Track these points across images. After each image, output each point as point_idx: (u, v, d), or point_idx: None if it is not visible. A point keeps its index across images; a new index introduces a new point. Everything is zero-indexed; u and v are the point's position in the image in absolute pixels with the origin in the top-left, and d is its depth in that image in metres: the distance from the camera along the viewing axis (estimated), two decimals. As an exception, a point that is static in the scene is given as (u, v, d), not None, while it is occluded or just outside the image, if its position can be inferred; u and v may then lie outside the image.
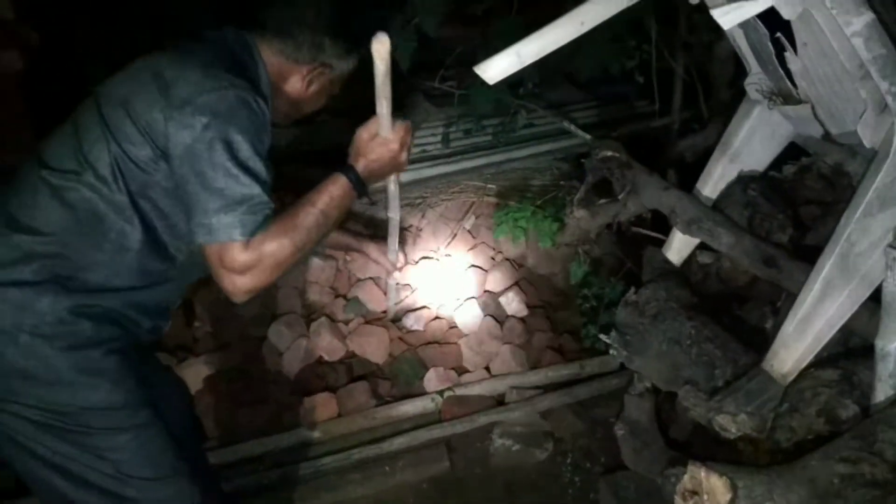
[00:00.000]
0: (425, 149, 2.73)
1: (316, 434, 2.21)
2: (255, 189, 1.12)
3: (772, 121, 1.53)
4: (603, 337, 1.80)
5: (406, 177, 2.60)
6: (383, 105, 1.22)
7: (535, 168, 2.74)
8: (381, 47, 1.14)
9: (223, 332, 2.47)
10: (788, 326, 1.28)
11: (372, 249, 1.86)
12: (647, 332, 1.67)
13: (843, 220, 1.22)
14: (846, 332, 1.30)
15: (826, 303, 1.24)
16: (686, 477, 1.19)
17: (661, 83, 2.50)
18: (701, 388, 1.46)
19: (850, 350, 1.34)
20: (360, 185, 1.26)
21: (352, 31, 1.34)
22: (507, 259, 2.75)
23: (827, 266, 1.24)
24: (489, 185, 2.69)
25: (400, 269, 1.89)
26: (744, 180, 1.57)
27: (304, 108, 1.42)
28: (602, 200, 1.74)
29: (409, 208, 2.64)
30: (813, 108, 1.33)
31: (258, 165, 1.14)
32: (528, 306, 2.63)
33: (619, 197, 1.68)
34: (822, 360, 1.30)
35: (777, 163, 1.60)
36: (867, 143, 1.21)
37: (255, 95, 1.17)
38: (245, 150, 1.12)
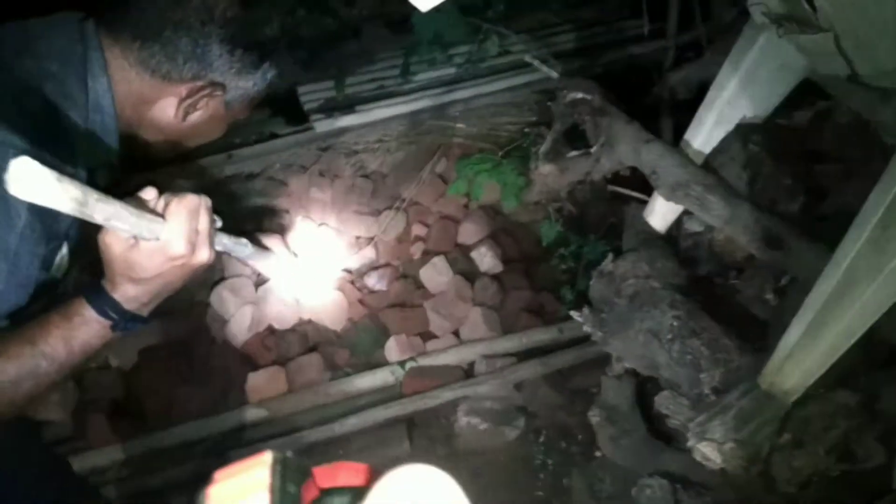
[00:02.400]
0: (383, 84, 2.37)
1: (262, 413, 1.99)
2: None
3: (781, 52, 1.17)
4: (574, 314, 1.53)
5: (361, 119, 2.27)
6: (110, 214, 0.72)
7: (512, 103, 2.38)
8: (17, 185, 0.62)
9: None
10: (795, 330, 1.00)
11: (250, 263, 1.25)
12: (624, 313, 1.39)
13: (875, 195, 0.91)
14: (870, 339, 1.00)
15: (846, 301, 0.95)
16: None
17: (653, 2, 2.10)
18: (683, 392, 1.19)
19: (872, 363, 1.05)
20: (128, 321, 0.83)
21: (257, 38, 0.96)
22: (482, 207, 2.45)
23: (852, 253, 0.94)
24: (458, 125, 2.35)
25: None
26: (744, 130, 1.24)
27: (187, 141, 1.01)
28: (573, 153, 1.42)
29: (366, 154, 2.33)
30: (836, 38, 0.98)
31: None
32: (504, 261, 2.34)
33: (592, 150, 1.36)
34: (837, 378, 1.01)
35: (787, 106, 1.26)
36: (911, 89, 0.88)
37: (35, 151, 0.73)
38: None
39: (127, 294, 0.81)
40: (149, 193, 0.80)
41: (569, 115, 1.39)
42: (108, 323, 0.82)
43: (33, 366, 0.79)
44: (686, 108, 1.60)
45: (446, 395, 2.01)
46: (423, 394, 2.02)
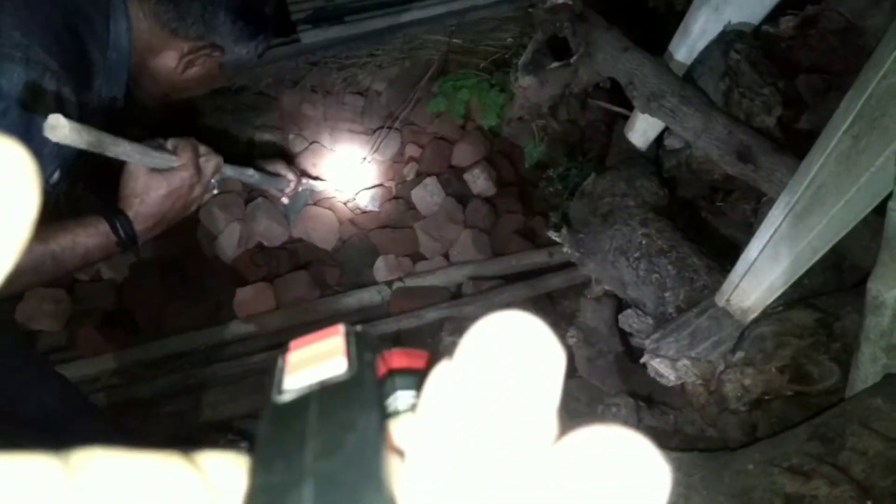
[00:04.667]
0: (376, -6, 2.27)
1: (249, 328, 2.02)
2: None
3: (775, -49, 1.08)
4: (552, 234, 1.50)
5: (350, 30, 2.18)
6: (130, 151, 0.90)
7: (511, 17, 2.28)
8: (53, 131, 0.80)
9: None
10: (755, 245, 0.95)
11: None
12: (597, 233, 1.35)
13: (846, 102, 0.85)
14: (840, 263, 0.96)
15: (811, 217, 0.90)
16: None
17: None
18: (648, 311, 1.16)
19: (842, 287, 1.01)
20: (130, 240, 0.95)
21: (258, 12, 1.07)
22: (479, 128, 2.38)
23: (817, 165, 0.88)
24: (454, 40, 2.26)
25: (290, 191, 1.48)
26: (727, 38, 1.15)
27: (178, 92, 1.12)
28: (554, 64, 1.35)
29: (357, 69, 2.25)
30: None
31: None
32: (499, 184, 2.30)
33: (572, 60, 1.29)
34: (795, 299, 0.97)
35: (776, 13, 1.17)
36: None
37: (64, 83, 0.85)
38: None
39: (138, 215, 0.94)
40: (161, 140, 0.98)
41: (549, 22, 1.30)
42: (114, 238, 0.94)
43: (39, 262, 0.88)
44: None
45: (431, 314, 2.01)
46: (408, 313, 2.02)
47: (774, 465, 0.77)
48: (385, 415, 0.20)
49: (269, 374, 0.22)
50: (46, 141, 0.86)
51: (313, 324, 2.07)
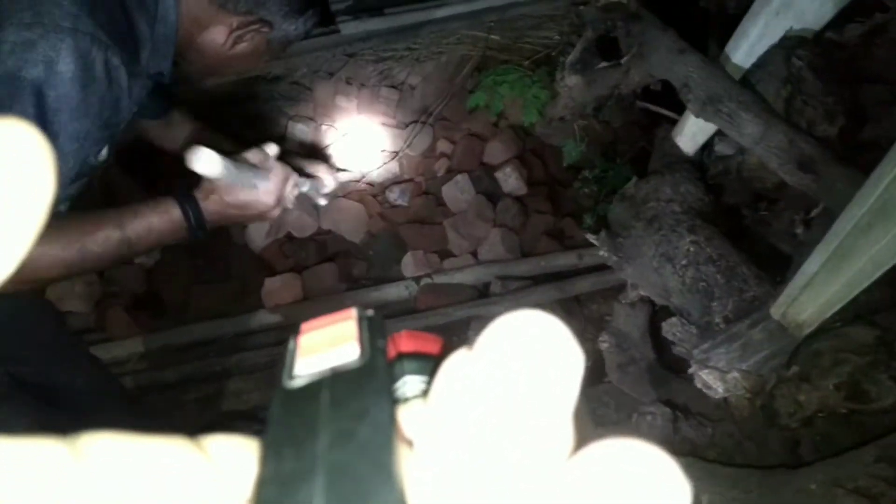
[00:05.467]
0: (414, -13, 2.25)
1: (276, 318, 2.02)
2: None
3: (842, -45, 1.05)
4: (590, 236, 1.47)
5: (389, 23, 2.17)
6: (244, 179, 0.95)
7: (549, 16, 2.25)
8: (204, 166, 0.86)
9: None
10: (816, 258, 0.93)
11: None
12: (640, 237, 1.33)
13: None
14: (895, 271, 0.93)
15: (875, 232, 0.87)
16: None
17: None
18: (693, 320, 1.14)
19: (895, 299, 0.98)
20: (199, 229, 0.96)
21: None
22: (512, 126, 2.36)
23: (887, 180, 0.85)
24: (492, 37, 2.24)
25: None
26: (789, 44, 1.12)
27: (224, 69, 1.09)
28: (603, 64, 1.33)
29: (394, 62, 2.24)
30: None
31: (67, 154, 0.84)
32: (529, 184, 2.28)
33: (623, 61, 1.26)
34: (857, 315, 0.94)
35: (841, 20, 1.14)
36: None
37: (113, 55, 0.84)
38: (63, 129, 0.82)
39: (210, 207, 0.96)
40: (270, 149, 1.01)
41: (601, 21, 1.28)
42: (185, 224, 0.95)
43: (115, 247, 0.90)
44: (735, 25, 1.47)
45: (458, 313, 2.00)
46: (435, 310, 2.01)
47: (839, 486, 0.75)
48: (394, 400, 0.19)
49: (280, 356, 0.21)
50: (98, 114, 0.86)
51: (339, 316, 2.06)
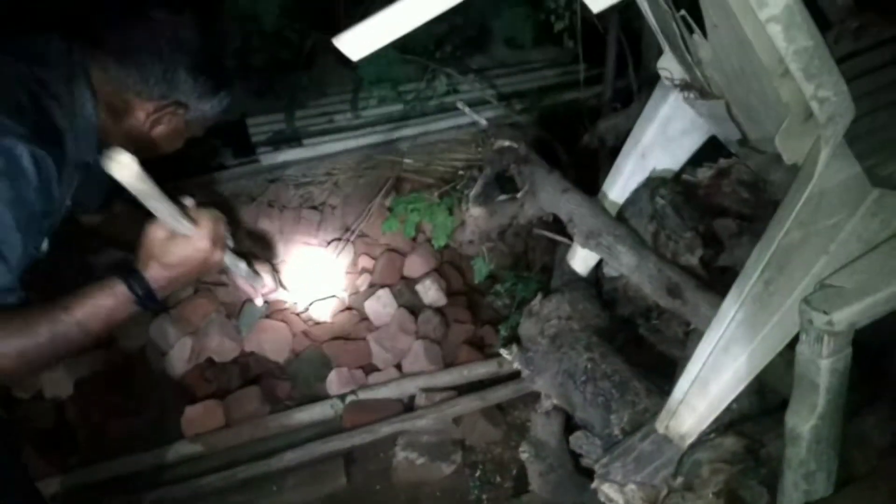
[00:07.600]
0: (333, 118, 2.41)
1: (197, 448, 1.98)
2: None
3: (689, 111, 1.25)
4: (503, 352, 1.57)
5: (308, 152, 2.30)
6: (164, 210, 0.96)
7: (458, 140, 2.44)
8: (119, 169, 0.87)
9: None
10: (686, 377, 1.05)
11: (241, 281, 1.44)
12: (546, 353, 1.43)
13: (757, 252, 0.97)
14: (761, 388, 1.06)
15: (733, 351, 1.01)
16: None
17: (597, 47, 2.18)
18: (596, 432, 1.23)
19: (764, 410, 1.11)
20: (148, 299, 0.99)
21: (218, 68, 1.10)
22: (430, 240, 2.49)
23: (736, 305, 1.00)
24: (406, 160, 2.40)
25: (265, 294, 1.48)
26: (653, 184, 1.30)
27: (152, 149, 1.14)
28: (501, 197, 1.47)
29: (316, 186, 2.36)
30: (728, 105, 1.06)
31: (12, 243, 0.89)
32: (449, 294, 2.38)
33: (518, 196, 1.41)
34: (726, 423, 1.06)
35: (696, 162, 1.33)
36: (787, 158, 0.95)
37: (37, 147, 0.89)
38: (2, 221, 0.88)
39: (153, 275, 0.98)
40: (188, 201, 1.02)
41: (497, 161, 1.44)
42: (133, 297, 0.97)
43: (66, 330, 0.92)
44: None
45: (385, 429, 2.02)
46: (362, 428, 2.02)
47: None
48: None
49: None
50: (34, 202, 0.91)
51: (262, 441, 2.04)
